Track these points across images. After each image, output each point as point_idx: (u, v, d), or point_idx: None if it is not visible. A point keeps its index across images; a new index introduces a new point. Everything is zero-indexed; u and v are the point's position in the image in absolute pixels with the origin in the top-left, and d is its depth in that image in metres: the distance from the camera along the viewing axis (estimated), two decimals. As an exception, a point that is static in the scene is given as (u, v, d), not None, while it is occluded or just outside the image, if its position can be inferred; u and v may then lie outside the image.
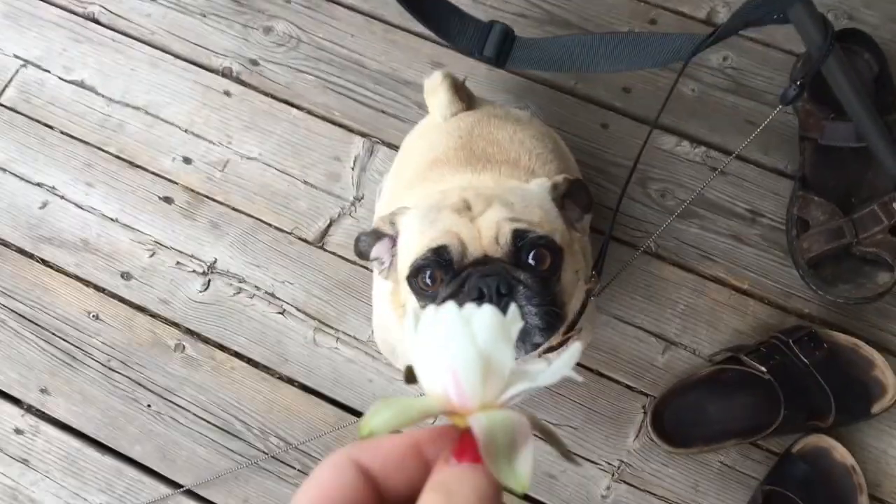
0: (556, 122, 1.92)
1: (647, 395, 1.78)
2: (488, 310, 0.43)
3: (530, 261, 1.17)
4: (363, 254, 1.32)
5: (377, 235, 1.30)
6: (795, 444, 1.66)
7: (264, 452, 1.77)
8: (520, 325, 0.44)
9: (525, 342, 1.15)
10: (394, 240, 1.29)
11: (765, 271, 1.84)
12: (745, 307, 1.82)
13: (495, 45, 1.64)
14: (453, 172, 1.44)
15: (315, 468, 0.43)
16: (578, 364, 1.85)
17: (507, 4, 2.09)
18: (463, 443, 0.41)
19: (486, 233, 1.17)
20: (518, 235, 1.17)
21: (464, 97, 1.66)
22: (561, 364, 0.44)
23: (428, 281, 1.19)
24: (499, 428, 0.40)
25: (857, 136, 1.71)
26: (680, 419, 1.70)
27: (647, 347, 1.80)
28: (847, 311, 1.79)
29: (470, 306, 0.43)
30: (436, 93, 1.63)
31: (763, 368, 1.63)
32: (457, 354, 0.41)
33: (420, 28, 2.01)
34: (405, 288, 1.24)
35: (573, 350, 0.46)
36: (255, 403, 1.82)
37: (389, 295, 1.35)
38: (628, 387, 1.79)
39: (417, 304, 1.22)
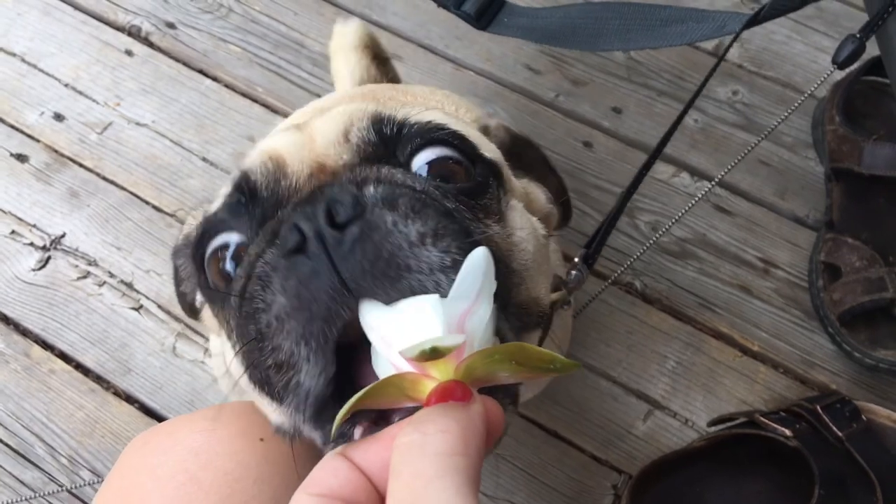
0: (529, 133, 1.55)
1: (619, 471, 1.28)
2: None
3: (420, 171, 0.65)
4: (185, 298, 0.80)
5: (191, 248, 0.76)
6: (827, 555, 1.16)
7: (67, 490, 1.22)
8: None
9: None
10: None
11: (779, 332, 1.41)
12: (753, 373, 1.37)
13: (478, 2, 1.26)
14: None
15: (312, 470, 0.44)
16: (530, 420, 1.37)
17: None
18: (430, 395, 0.45)
19: (325, 129, 0.66)
20: (384, 122, 0.66)
21: (384, 69, 1.30)
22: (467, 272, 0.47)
23: (228, 267, 0.64)
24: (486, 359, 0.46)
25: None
26: (666, 505, 1.21)
27: (625, 409, 1.33)
28: (885, 391, 1.35)
29: None
30: (344, 50, 1.25)
31: (787, 432, 1.16)
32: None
33: (377, 16, 1.69)
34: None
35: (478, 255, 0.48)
36: (73, 423, 1.28)
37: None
38: (595, 458, 1.30)
39: (226, 332, 0.66)
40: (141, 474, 0.69)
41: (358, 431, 0.55)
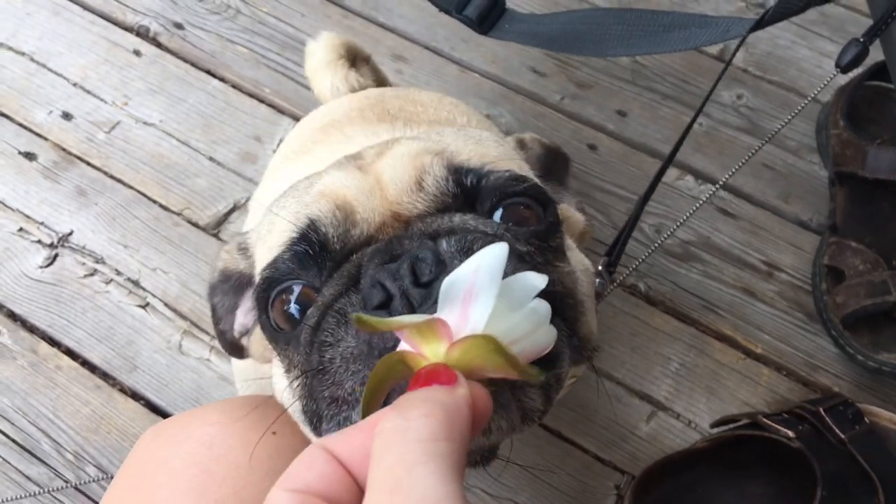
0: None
1: (622, 471, 1.29)
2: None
3: (497, 216, 0.67)
4: (225, 337, 0.81)
5: (230, 282, 0.79)
6: (829, 557, 1.16)
7: (73, 486, 1.22)
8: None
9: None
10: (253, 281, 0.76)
11: (782, 335, 1.41)
12: (757, 375, 1.37)
13: (479, 7, 1.27)
14: (360, 132, 0.98)
15: (291, 463, 0.43)
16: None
17: None
18: (414, 379, 0.45)
19: (394, 175, 0.66)
20: (460, 171, 0.66)
21: (367, 68, 1.30)
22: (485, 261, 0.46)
23: (293, 311, 0.65)
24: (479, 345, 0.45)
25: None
26: (669, 505, 1.21)
27: (628, 410, 1.34)
28: (888, 394, 1.36)
29: None
30: (320, 71, 1.25)
31: (790, 433, 1.17)
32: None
33: (384, 19, 1.70)
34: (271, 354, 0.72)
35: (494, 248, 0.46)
36: (78, 419, 1.29)
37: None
38: (598, 458, 1.30)
39: (282, 367, 0.69)
40: (153, 467, 0.69)
41: None
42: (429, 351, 0.45)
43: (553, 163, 0.85)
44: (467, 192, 0.65)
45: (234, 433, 0.69)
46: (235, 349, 0.81)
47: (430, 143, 0.69)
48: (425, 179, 0.65)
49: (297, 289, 0.65)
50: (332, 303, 0.61)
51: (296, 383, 0.65)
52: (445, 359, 0.45)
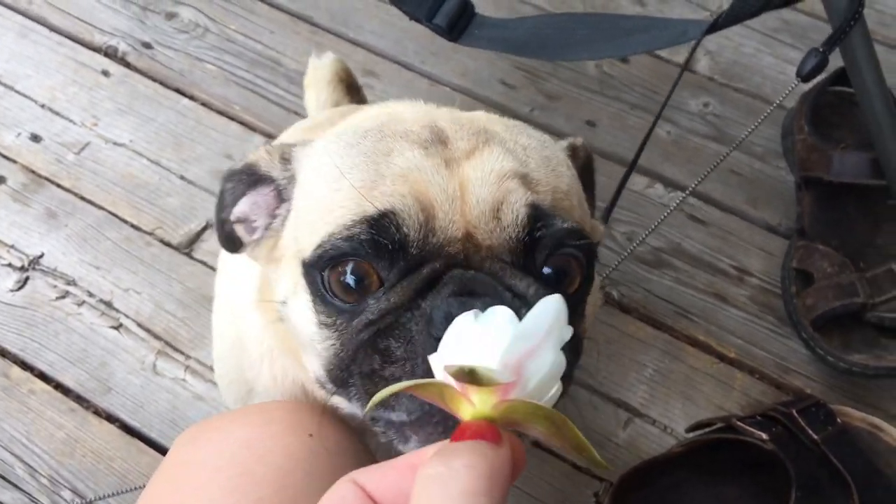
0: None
1: (600, 479, 1.29)
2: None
3: (546, 270, 0.68)
4: (224, 227, 0.79)
5: (251, 177, 0.77)
6: (805, 557, 1.17)
7: (49, 512, 1.21)
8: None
9: None
10: (280, 191, 0.76)
11: (755, 339, 1.43)
12: (730, 379, 1.39)
13: (449, 15, 1.28)
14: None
15: (323, 496, 0.44)
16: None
17: None
18: (460, 430, 0.44)
19: (479, 192, 0.66)
20: (537, 216, 0.67)
21: (357, 98, 1.35)
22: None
23: (350, 280, 0.66)
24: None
25: (872, 169, 1.38)
26: (648, 510, 1.22)
27: (605, 417, 1.34)
28: (858, 394, 1.38)
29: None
30: (318, 85, 1.35)
31: (764, 436, 1.18)
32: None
33: (354, 34, 1.71)
34: (291, 278, 0.72)
35: (551, 302, 0.46)
36: (53, 443, 1.28)
37: (256, 292, 0.81)
38: (576, 466, 1.31)
39: (314, 318, 0.70)
40: (193, 468, 0.69)
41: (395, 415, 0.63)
42: (478, 399, 0.45)
43: (587, 169, 0.87)
44: (535, 241, 0.67)
45: (273, 435, 0.69)
46: (230, 242, 0.79)
47: (515, 163, 0.69)
48: (503, 211, 0.66)
49: (352, 262, 0.66)
50: (398, 307, 0.63)
51: (329, 340, 0.68)
52: (492, 411, 0.44)
